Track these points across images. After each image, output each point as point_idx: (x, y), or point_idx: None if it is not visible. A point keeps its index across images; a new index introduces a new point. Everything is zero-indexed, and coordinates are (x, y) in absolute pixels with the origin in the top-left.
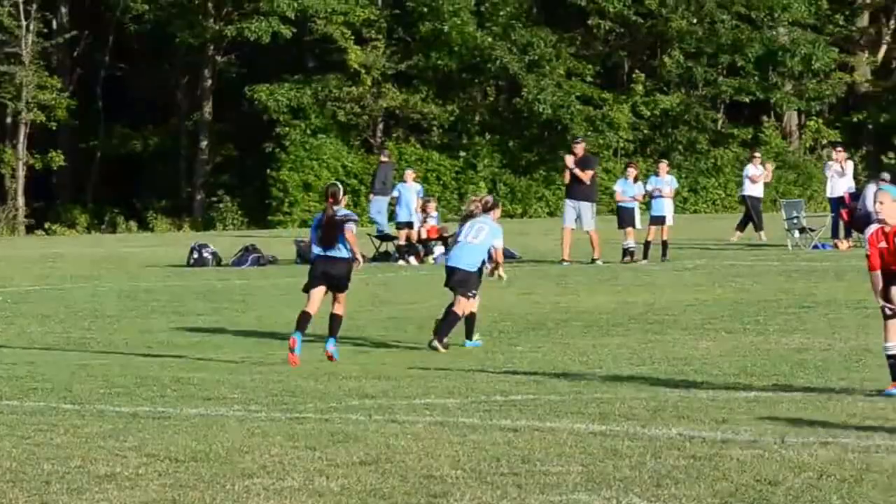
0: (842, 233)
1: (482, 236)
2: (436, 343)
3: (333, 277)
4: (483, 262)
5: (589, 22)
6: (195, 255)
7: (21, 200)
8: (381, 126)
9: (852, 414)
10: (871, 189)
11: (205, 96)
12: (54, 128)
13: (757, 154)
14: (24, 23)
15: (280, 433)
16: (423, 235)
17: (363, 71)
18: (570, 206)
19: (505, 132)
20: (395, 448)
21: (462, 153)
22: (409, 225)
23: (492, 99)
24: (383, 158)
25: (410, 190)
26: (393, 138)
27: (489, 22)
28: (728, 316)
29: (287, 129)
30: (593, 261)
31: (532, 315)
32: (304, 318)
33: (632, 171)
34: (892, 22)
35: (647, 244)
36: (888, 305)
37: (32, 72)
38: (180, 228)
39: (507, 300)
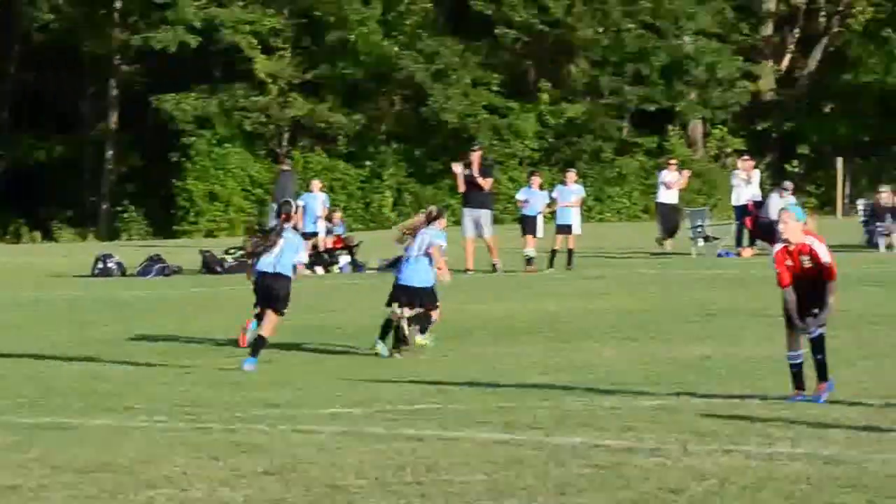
0: (745, 241)
1: (425, 248)
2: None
3: (272, 295)
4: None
5: (495, 31)
6: (100, 266)
7: None
8: (287, 135)
9: (754, 422)
10: (774, 198)
11: (111, 106)
12: None
13: (673, 160)
14: None
15: (184, 443)
16: (329, 245)
17: (269, 80)
18: (468, 215)
19: (411, 141)
20: (300, 458)
21: (368, 162)
22: (315, 235)
23: (398, 108)
24: (284, 167)
25: (316, 199)
26: (299, 147)
27: (396, 31)
28: (632, 324)
29: (193, 138)
30: (493, 266)
31: (437, 324)
32: (259, 343)
33: (536, 180)
34: (796, 31)
35: (552, 253)
36: (802, 325)
37: None
38: (85, 238)
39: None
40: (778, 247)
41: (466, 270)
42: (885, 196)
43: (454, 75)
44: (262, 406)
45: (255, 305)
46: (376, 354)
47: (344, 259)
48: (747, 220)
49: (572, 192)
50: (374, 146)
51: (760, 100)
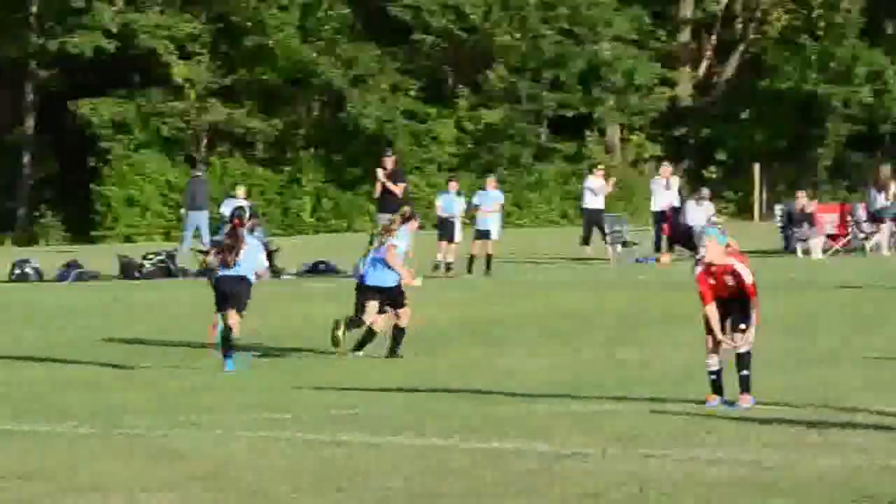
0: (664, 247)
1: (383, 249)
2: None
3: (232, 297)
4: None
5: (413, 37)
6: (17, 271)
7: None
8: (205, 141)
9: (674, 427)
10: (691, 204)
11: (27, 111)
12: None
13: (600, 166)
14: None
15: (110, 449)
16: None
17: (187, 85)
18: (382, 220)
19: (330, 146)
20: (224, 463)
21: (286, 168)
22: None
23: (316, 113)
24: (196, 174)
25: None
26: (217, 153)
27: (313, 36)
28: (552, 330)
29: (110, 143)
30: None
31: (357, 330)
32: (228, 342)
33: (453, 185)
34: (713, 38)
35: (471, 258)
36: (726, 339)
37: None
38: (2, 244)
39: (331, 315)
40: (700, 268)
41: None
42: (801, 201)
43: (372, 81)
44: (187, 412)
45: (217, 305)
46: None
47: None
48: (665, 227)
49: (492, 198)
50: (293, 151)
51: (678, 106)
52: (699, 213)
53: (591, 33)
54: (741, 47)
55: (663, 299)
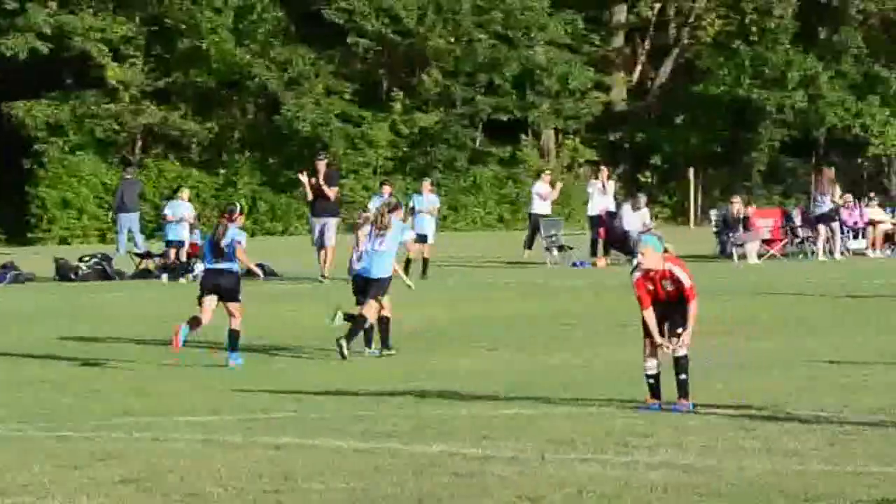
0: (600, 251)
1: (387, 242)
2: (345, 349)
3: (222, 288)
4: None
5: (348, 40)
6: None
7: None
8: (139, 143)
9: (612, 430)
10: (627, 209)
11: None
12: None
13: (547, 171)
14: None
15: (41, 452)
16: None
17: (121, 87)
18: (316, 224)
19: (265, 149)
20: (158, 466)
21: (221, 170)
22: (181, 243)
23: (251, 116)
24: (126, 176)
25: (182, 207)
26: (152, 155)
27: (248, 39)
28: (489, 333)
29: (45, 145)
30: (322, 277)
31: (295, 332)
32: (195, 320)
33: (386, 189)
34: (646, 42)
35: (407, 262)
36: (664, 343)
37: None
38: None
39: (271, 318)
40: (638, 274)
41: (322, 277)
42: (737, 206)
43: (307, 84)
44: (121, 414)
45: (199, 299)
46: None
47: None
48: (601, 231)
49: (428, 202)
50: (228, 154)
51: (612, 110)
52: (635, 219)
53: (525, 38)
54: (675, 52)
55: (600, 303)
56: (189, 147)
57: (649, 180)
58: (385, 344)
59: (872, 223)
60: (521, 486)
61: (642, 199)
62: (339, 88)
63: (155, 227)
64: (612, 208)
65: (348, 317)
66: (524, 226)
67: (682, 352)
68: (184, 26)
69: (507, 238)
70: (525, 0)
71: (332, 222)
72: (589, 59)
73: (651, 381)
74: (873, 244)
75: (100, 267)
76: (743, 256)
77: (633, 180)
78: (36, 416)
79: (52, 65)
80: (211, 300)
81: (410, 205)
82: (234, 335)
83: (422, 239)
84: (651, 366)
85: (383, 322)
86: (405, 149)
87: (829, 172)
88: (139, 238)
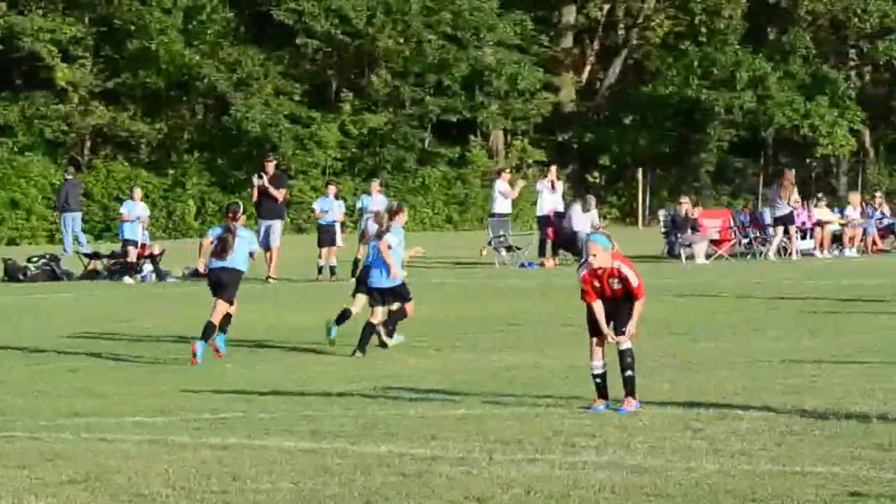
0: (548, 251)
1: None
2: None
3: (223, 283)
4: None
5: (297, 41)
6: None
7: None
8: (88, 144)
9: (559, 431)
10: (576, 209)
11: None
12: None
13: (506, 171)
14: None
15: None
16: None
17: (70, 88)
18: (262, 225)
19: (214, 150)
20: (105, 467)
21: (170, 171)
22: (133, 243)
23: (200, 117)
24: (67, 176)
25: (137, 207)
26: (101, 156)
27: (197, 40)
28: (437, 333)
29: None
30: (267, 279)
31: (242, 333)
32: (209, 328)
33: (332, 189)
34: (595, 43)
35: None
36: (612, 335)
37: None
38: None
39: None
40: (584, 270)
41: (268, 279)
42: (685, 207)
43: (256, 85)
44: (68, 415)
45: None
46: (331, 342)
47: (147, 268)
48: (549, 231)
49: (376, 203)
50: (177, 155)
51: (561, 111)
52: (584, 220)
53: (474, 38)
54: (624, 53)
55: (548, 304)
56: (138, 148)
57: (597, 181)
58: (389, 333)
59: (820, 224)
60: (469, 486)
61: (592, 200)
62: (289, 89)
63: (103, 227)
64: (561, 209)
65: (339, 318)
66: (472, 226)
67: (626, 345)
68: (133, 27)
69: (455, 238)
70: (474, 1)
71: (277, 224)
72: (538, 59)
73: (598, 380)
74: (821, 245)
75: (48, 267)
76: (691, 257)
77: (582, 181)
78: None
79: (0, 65)
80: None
81: (358, 205)
82: (226, 318)
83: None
84: (597, 365)
85: (369, 327)
86: (354, 149)
87: (791, 175)
88: (83, 238)
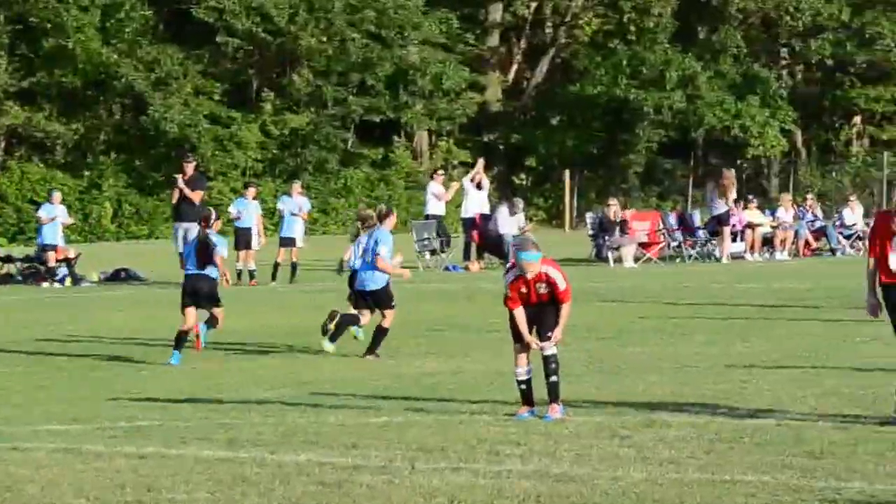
0: (473, 255)
1: (370, 252)
2: (370, 357)
3: (201, 294)
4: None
5: (217, 39)
6: None
7: None
8: (2, 144)
9: (483, 439)
10: (503, 212)
11: None
12: None
13: (440, 171)
14: None
15: None
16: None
17: None
18: (179, 228)
19: (131, 151)
20: (17, 476)
21: (86, 172)
22: (54, 247)
23: (118, 117)
24: None
25: (56, 210)
26: (16, 157)
27: (115, 38)
28: (360, 340)
29: None
30: None
31: (158, 339)
32: (180, 337)
33: (250, 191)
34: (522, 41)
35: (275, 266)
36: (535, 341)
37: None
38: None
39: (135, 323)
40: (512, 276)
41: None
42: (613, 209)
43: (175, 84)
44: None
45: (182, 307)
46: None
47: (62, 272)
48: (474, 234)
49: (297, 204)
50: (93, 156)
51: (487, 111)
52: (511, 223)
53: (398, 37)
54: (551, 52)
55: (472, 308)
56: (53, 149)
57: (524, 182)
58: (372, 350)
59: (751, 226)
60: (391, 496)
61: (519, 203)
62: (208, 88)
63: (16, 230)
64: (487, 211)
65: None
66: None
67: (550, 350)
68: (49, 25)
69: None
70: None
71: (195, 226)
72: (463, 58)
73: (523, 387)
74: (751, 247)
75: None
76: (619, 260)
77: (508, 182)
78: None
79: None
80: (191, 310)
81: (279, 207)
82: (213, 320)
83: (290, 242)
84: (522, 371)
85: (380, 331)
86: (275, 150)
87: (730, 174)
88: None
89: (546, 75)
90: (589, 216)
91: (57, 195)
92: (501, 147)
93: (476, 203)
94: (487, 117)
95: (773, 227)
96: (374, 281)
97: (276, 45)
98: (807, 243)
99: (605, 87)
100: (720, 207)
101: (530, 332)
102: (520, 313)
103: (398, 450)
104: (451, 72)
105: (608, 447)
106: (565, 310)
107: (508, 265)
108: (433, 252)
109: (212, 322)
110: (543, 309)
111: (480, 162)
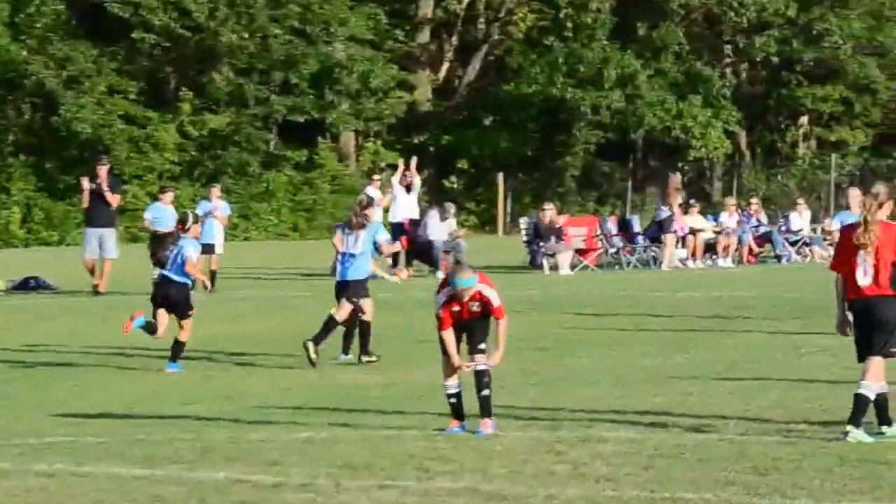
0: (402, 262)
1: (360, 244)
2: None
3: (171, 300)
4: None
5: (133, 35)
6: None
7: None
8: None
9: (412, 455)
10: (433, 217)
11: None
12: None
13: (377, 176)
14: None
15: None
16: None
17: None
18: (91, 234)
19: (41, 153)
20: None
21: None
22: None
23: (27, 117)
24: None
25: None
26: None
27: (24, 35)
28: (281, 350)
29: None
30: (95, 289)
31: (64, 350)
32: (151, 326)
33: (167, 196)
34: (454, 38)
35: (213, 274)
36: (466, 365)
37: None
38: None
39: (45, 334)
40: (444, 296)
41: (96, 292)
42: (549, 214)
43: (88, 82)
44: None
45: (154, 310)
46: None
47: None
48: (403, 240)
49: (217, 209)
50: (1, 158)
51: (417, 111)
52: (441, 228)
53: (323, 33)
54: (484, 49)
55: (401, 318)
56: None
57: (455, 186)
58: (365, 350)
59: (693, 232)
60: None
61: (451, 208)
62: (123, 87)
63: None
64: (417, 216)
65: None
66: (320, 235)
67: (482, 366)
68: None
69: (301, 248)
70: None
71: (110, 233)
72: (392, 56)
73: (452, 400)
74: (693, 254)
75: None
76: (555, 267)
77: (439, 186)
78: None
79: None
80: (162, 314)
81: (197, 212)
82: (178, 346)
83: (208, 249)
84: (451, 384)
85: (365, 327)
86: (193, 152)
87: (675, 180)
88: None
89: (479, 73)
90: (523, 221)
91: None
92: (432, 149)
93: (405, 207)
94: (417, 118)
95: (715, 233)
96: (356, 272)
97: (195, 42)
98: (750, 249)
99: (541, 85)
100: (664, 212)
101: (460, 342)
102: (449, 335)
103: (322, 467)
104: (378, 70)
105: (542, 463)
106: (503, 328)
107: (440, 283)
108: None
109: (148, 328)
110: (474, 322)
111: (413, 160)
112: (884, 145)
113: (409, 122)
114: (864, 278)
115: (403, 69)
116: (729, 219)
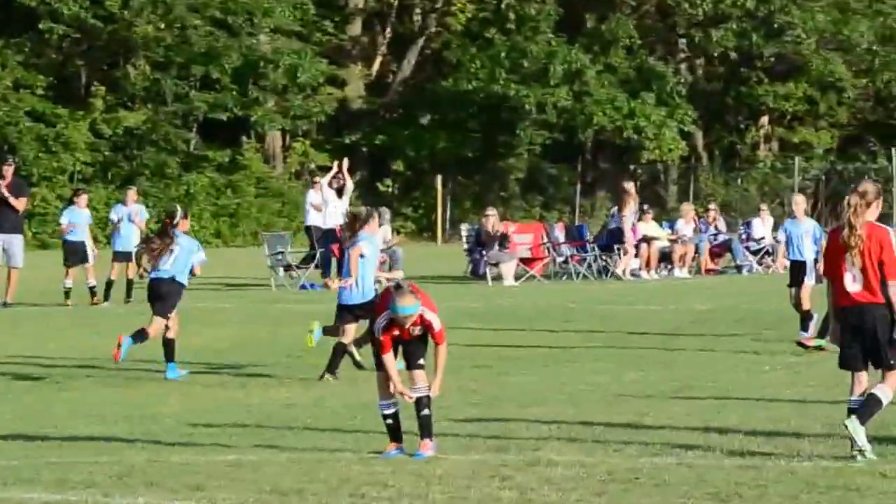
0: (333, 270)
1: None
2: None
3: (159, 293)
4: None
5: (40, 26)
6: None
7: None
8: None
9: (346, 479)
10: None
11: None
12: None
13: (318, 179)
14: None
15: None
16: None
17: None
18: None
19: None
20: None
21: None
22: None
23: None
24: None
25: None
26: None
27: None
28: (204, 366)
29: None
30: (4, 303)
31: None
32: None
33: (82, 199)
34: (387, 30)
35: (109, 283)
36: (408, 393)
37: None
38: None
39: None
40: (384, 321)
41: (4, 304)
42: (491, 220)
43: None
44: None
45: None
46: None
47: None
48: (334, 248)
49: (133, 213)
50: None
51: (348, 109)
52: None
53: (247, 24)
54: (420, 42)
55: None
56: None
57: (390, 189)
58: (331, 369)
59: (646, 240)
60: None
61: (386, 213)
62: (31, 82)
63: None
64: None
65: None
66: (244, 241)
67: (423, 392)
68: None
69: (224, 256)
70: None
71: (17, 239)
72: (321, 49)
73: (389, 421)
74: (647, 264)
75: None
76: (498, 278)
77: (373, 189)
78: None
79: None
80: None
81: (112, 217)
82: (170, 344)
83: (124, 257)
84: (387, 405)
85: (340, 347)
86: (107, 152)
87: (629, 186)
88: None
89: (415, 69)
90: (464, 228)
91: None
92: (364, 149)
93: (336, 210)
94: (349, 116)
95: (671, 241)
96: (363, 293)
97: (108, 33)
98: (710, 258)
99: (482, 82)
100: (615, 222)
101: (396, 354)
102: (390, 359)
103: (250, 492)
104: (307, 64)
105: (487, 489)
106: (442, 356)
107: (378, 302)
108: (287, 268)
109: (140, 335)
110: (413, 340)
111: (345, 162)
112: (850, 147)
113: (339, 120)
114: (853, 284)
115: (333, 63)
116: (685, 226)
